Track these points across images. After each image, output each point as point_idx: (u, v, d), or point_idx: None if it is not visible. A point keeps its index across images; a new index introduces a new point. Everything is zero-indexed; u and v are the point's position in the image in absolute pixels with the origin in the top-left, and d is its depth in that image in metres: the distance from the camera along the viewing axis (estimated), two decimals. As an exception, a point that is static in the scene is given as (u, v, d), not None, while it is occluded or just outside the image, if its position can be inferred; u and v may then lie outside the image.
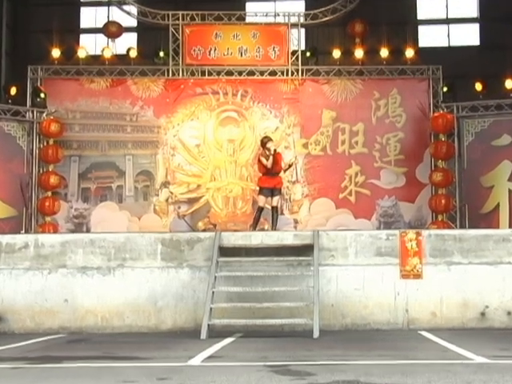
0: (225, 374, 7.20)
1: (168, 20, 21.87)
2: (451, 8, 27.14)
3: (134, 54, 21.98)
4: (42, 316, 12.26)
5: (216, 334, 11.02)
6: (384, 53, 21.71)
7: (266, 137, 15.40)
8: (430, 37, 26.69)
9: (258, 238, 12.40)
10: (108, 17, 24.29)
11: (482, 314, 12.00)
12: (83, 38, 26.75)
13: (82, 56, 21.92)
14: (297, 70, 21.74)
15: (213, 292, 11.40)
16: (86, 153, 21.58)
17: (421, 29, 26.90)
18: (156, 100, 21.69)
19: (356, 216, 21.18)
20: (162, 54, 21.68)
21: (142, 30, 25.63)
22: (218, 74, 21.73)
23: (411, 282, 12.07)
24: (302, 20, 22.36)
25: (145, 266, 12.28)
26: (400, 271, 12.10)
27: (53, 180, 20.83)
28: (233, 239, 12.35)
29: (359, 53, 21.81)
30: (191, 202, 21.45)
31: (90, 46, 24.38)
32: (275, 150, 14.65)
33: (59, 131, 21.01)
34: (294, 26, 22.14)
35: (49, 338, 11.32)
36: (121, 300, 12.24)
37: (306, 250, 12.03)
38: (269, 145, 14.60)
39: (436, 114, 21.18)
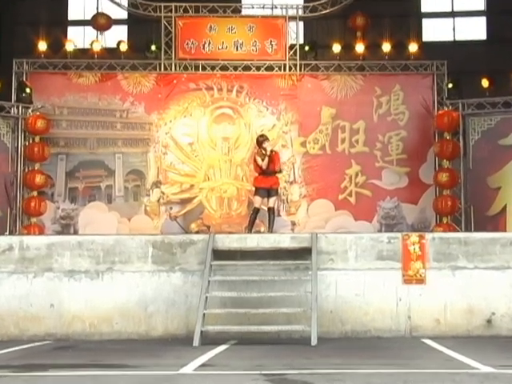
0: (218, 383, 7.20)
1: (160, 12, 21.87)
2: (457, 0, 27.15)
3: (124, 47, 21.99)
4: (27, 322, 12.23)
5: (209, 341, 11.02)
6: (386, 47, 21.73)
7: (261, 135, 15.36)
8: (434, 30, 26.70)
9: (253, 241, 12.40)
10: (97, 8, 24.23)
11: (489, 321, 12.01)
12: (71, 30, 26.70)
13: (70, 49, 21.94)
14: (295, 65, 21.76)
15: (206, 297, 11.39)
16: (73, 151, 21.57)
17: (425, 22, 26.91)
18: (147, 96, 21.69)
19: (356, 218, 21.20)
20: (153, 47, 21.69)
21: (132, 22, 25.60)
22: (213, 68, 21.73)
23: (414, 287, 12.07)
24: (300, 12, 22.38)
25: (135, 269, 12.27)
26: (402, 276, 12.10)
27: (39, 179, 20.81)
28: (227, 242, 12.34)
29: (360, 47, 21.82)
30: (184, 202, 21.45)
31: (78, 38, 24.37)
32: (271, 151, 14.63)
33: (45, 128, 21.00)
34: (292, 18, 22.16)
35: (34, 345, 11.30)
36: (110, 305, 12.22)
37: (303, 253, 12.02)
38: (265, 144, 14.58)
39: (440, 112, 21.20)
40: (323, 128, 21.70)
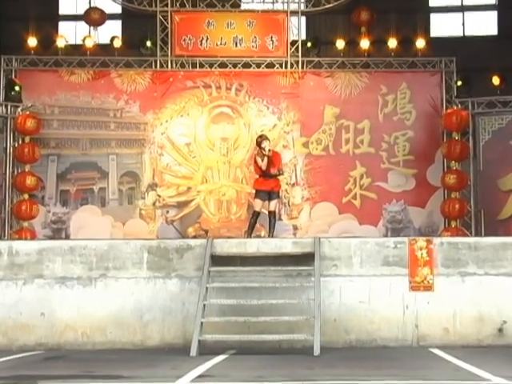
0: (217, 395, 7.22)
1: (155, 6, 21.87)
2: (466, -6, 27.26)
3: (118, 43, 21.98)
4: (16, 331, 12.22)
5: (207, 350, 11.01)
6: (392, 43, 21.75)
7: (260, 135, 15.40)
8: (443, 26, 26.78)
9: (253, 246, 12.41)
10: (90, 2, 24.23)
11: (500, 329, 12.01)
12: (62, 25, 26.79)
13: (61, 45, 21.90)
14: (297, 62, 21.78)
15: (204, 305, 11.39)
16: (65, 152, 21.57)
17: (433, 17, 26.99)
18: (142, 94, 21.69)
19: (361, 222, 21.21)
20: (149, 43, 21.68)
21: (127, 17, 25.68)
22: (211, 65, 21.75)
23: (421, 294, 12.08)
24: (302, 7, 22.39)
25: (130, 275, 12.27)
26: (409, 283, 12.10)
27: (29, 181, 20.80)
28: (226, 247, 12.36)
29: (365, 43, 21.84)
30: (181, 205, 21.46)
31: (69, 34, 24.45)
32: (270, 150, 14.65)
33: (36, 128, 20.98)
34: (294, 13, 22.18)
35: (23, 355, 11.29)
36: (103, 313, 12.22)
37: (306, 258, 12.03)
38: (263, 144, 14.61)
39: (449, 111, 21.20)
40: (326, 128, 21.70)
